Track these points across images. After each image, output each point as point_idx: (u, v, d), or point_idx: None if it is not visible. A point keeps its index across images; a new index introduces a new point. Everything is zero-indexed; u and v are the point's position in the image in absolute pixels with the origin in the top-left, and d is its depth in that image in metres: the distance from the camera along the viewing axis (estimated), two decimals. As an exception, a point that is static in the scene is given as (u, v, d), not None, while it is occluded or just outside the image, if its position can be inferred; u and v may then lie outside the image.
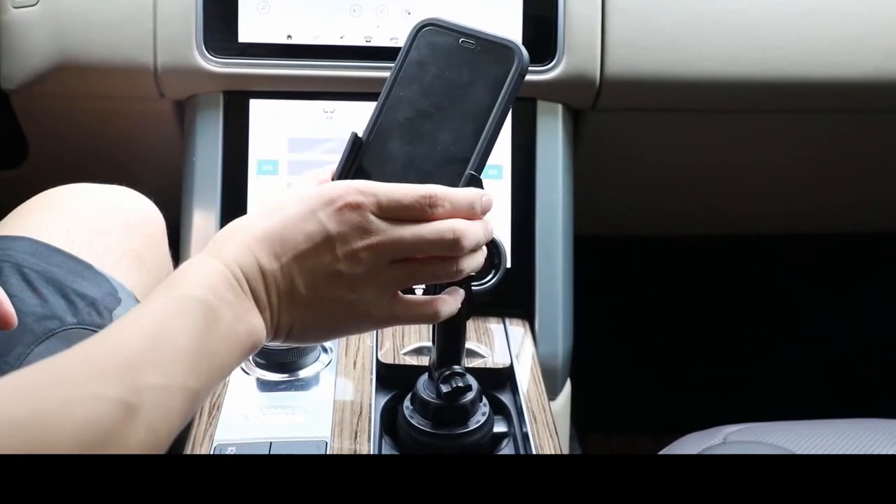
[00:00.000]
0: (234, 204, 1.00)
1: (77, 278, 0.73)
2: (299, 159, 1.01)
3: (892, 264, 1.62)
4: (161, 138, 1.10)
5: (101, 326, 0.72)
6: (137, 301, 0.78)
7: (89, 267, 0.74)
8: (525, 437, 0.78)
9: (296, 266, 0.55)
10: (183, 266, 0.54)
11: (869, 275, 1.65)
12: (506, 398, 0.84)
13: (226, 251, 0.55)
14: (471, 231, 0.58)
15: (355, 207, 0.56)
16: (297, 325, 0.57)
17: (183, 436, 0.80)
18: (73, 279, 0.72)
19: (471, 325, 0.95)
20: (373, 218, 0.56)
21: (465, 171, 0.60)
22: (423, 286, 0.64)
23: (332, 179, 0.62)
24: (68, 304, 0.71)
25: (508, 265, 0.99)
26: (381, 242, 0.56)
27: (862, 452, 0.88)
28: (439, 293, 0.63)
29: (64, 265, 0.73)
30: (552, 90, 1.03)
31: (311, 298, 0.56)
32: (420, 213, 0.57)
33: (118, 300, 0.75)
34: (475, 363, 0.87)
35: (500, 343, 0.93)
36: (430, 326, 0.74)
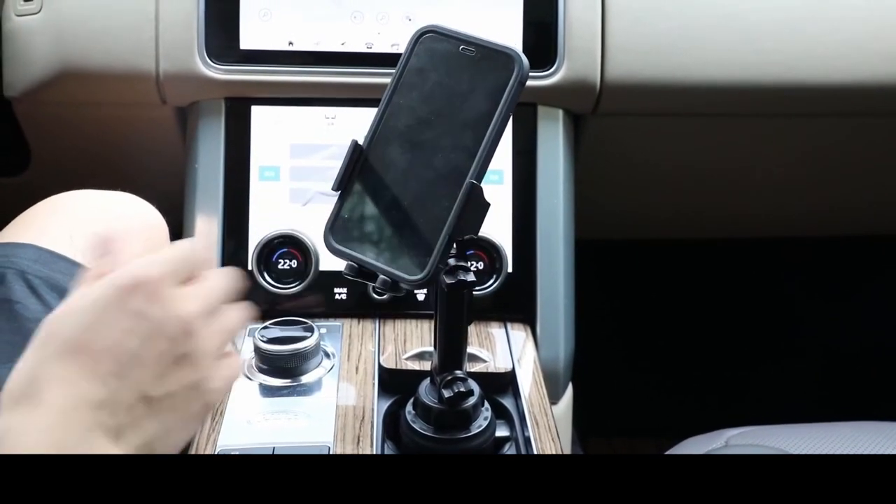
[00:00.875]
0: (235, 210, 1.00)
1: None
2: (301, 165, 1.01)
3: (891, 267, 1.62)
4: (163, 145, 1.10)
5: None
6: None
7: None
8: (527, 441, 0.78)
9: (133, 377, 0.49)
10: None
11: (868, 278, 1.66)
12: (508, 402, 0.84)
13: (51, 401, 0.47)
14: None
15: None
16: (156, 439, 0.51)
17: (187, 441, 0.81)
18: (76, 285, 0.73)
19: (472, 330, 0.95)
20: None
21: (466, 179, 0.60)
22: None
23: (333, 187, 0.63)
24: None
25: (510, 270, 1.00)
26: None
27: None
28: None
29: (68, 272, 0.73)
30: (552, 95, 1.03)
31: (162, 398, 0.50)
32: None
33: None
34: (477, 368, 0.87)
35: (501, 347, 0.93)
36: (432, 331, 0.74)
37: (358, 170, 0.64)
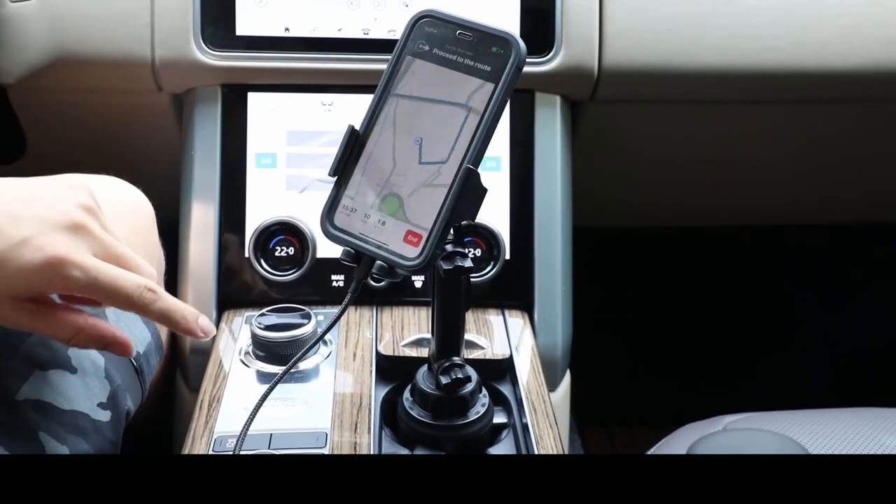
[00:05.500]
0: (232, 197, 1.00)
1: None
2: (297, 152, 1.01)
3: (892, 256, 1.62)
4: (159, 132, 1.10)
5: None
6: None
7: None
8: (525, 427, 0.78)
9: None
10: None
11: (869, 266, 1.66)
12: (505, 389, 0.84)
13: None
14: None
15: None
16: None
17: (183, 428, 0.81)
18: None
19: (470, 317, 0.95)
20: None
21: (463, 164, 0.60)
22: None
23: (330, 173, 0.63)
24: None
25: (507, 257, 1.00)
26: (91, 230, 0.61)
27: (861, 441, 0.89)
28: None
29: None
30: (550, 82, 1.03)
31: None
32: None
33: None
34: (474, 354, 0.87)
35: (499, 334, 0.93)
36: (430, 318, 0.74)
37: (354, 155, 0.64)
